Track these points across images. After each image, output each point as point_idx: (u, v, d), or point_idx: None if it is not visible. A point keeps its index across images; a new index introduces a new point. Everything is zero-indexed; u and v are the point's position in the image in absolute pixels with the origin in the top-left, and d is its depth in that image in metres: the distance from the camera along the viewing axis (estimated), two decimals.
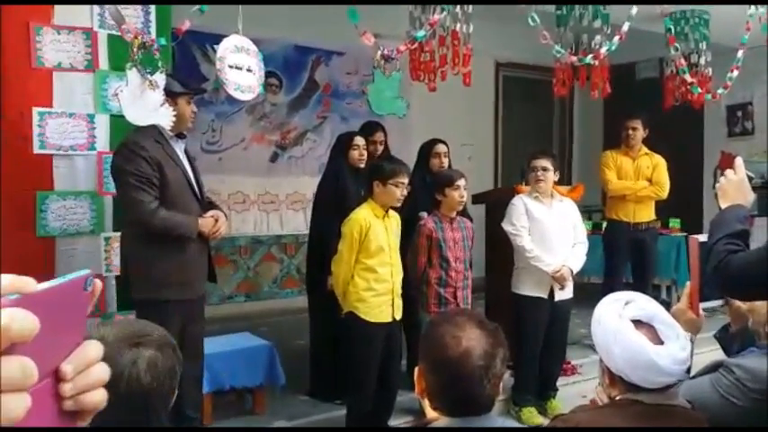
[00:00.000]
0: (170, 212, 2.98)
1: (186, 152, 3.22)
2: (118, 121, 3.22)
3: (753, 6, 4.95)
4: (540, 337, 4.03)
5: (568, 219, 4.09)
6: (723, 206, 1.83)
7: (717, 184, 1.89)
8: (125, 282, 3.15)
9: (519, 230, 3.97)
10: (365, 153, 4.12)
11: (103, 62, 3.28)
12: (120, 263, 3.18)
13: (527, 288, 4.02)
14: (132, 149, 2.94)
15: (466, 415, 1.46)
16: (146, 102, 2.89)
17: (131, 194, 2.94)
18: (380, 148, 4.52)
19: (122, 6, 3.11)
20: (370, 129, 4.55)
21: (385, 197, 3.37)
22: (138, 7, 3.31)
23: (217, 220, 3.15)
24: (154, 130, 3.02)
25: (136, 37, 2.86)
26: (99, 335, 1.33)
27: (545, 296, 3.99)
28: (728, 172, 1.86)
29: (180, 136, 3.15)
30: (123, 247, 3.16)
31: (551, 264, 3.92)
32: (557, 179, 4.10)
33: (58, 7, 3.18)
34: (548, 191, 4.04)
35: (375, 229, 3.34)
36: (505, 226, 4.04)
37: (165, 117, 2.98)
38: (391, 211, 3.48)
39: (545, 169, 3.98)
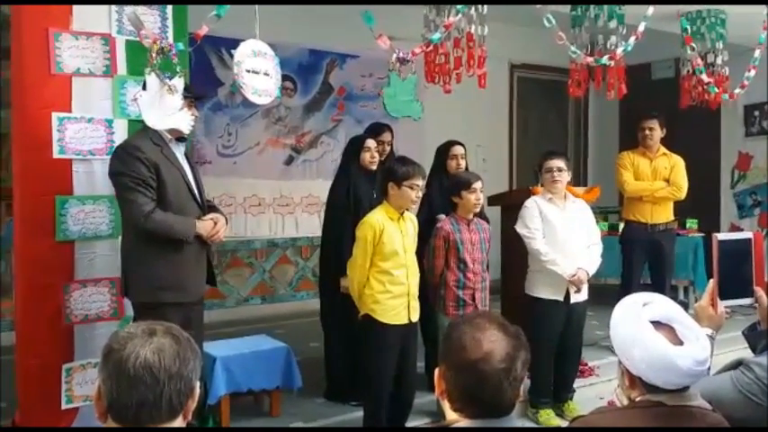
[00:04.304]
0: (166, 214, 2.95)
1: (186, 156, 3.21)
2: (136, 125, 3.24)
3: None
4: (555, 339, 4.00)
5: (582, 220, 4.06)
6: None
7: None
8: (123, 284, 3.13)
9: (533, 233, 3.94)
10: (377, 155, 4.12)
11: (122, 67, 3.30)
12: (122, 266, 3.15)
13: (542, 291, 3.99)
14: (129, 152, 2.93)
15: (486, 417, 1.46)
16: (164, 106, 2.90)
17: (127, 196, 2.93)
18: (387, 148, 4.53)
19: (140, 12, 3.13)
20: (378, 129, 4.55)
21: (399, 199, 3.36)
22: (156, 12, 3.32)
23: (216, 223, 3.12)
24: (152, 132, 3.00)
25: (154, 42, 2.88)
26: (114, 332, 1.39)
27: (561, 299, 3.96)
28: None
29: (180, 139, 3.12)
30: (122, 249, 3.14)
31: (567, 267, 3.89)
32: (569, 179, 4.08)
33: (76, 13, 3.19)
34: (562, 191, 4.02)
35: (389, 231, 3.33)
36: (519, 229, 4.01)
37: (183, 121, 3.00)
38: (407, 213, 3.47)
39: (560, 170, 3.96)
